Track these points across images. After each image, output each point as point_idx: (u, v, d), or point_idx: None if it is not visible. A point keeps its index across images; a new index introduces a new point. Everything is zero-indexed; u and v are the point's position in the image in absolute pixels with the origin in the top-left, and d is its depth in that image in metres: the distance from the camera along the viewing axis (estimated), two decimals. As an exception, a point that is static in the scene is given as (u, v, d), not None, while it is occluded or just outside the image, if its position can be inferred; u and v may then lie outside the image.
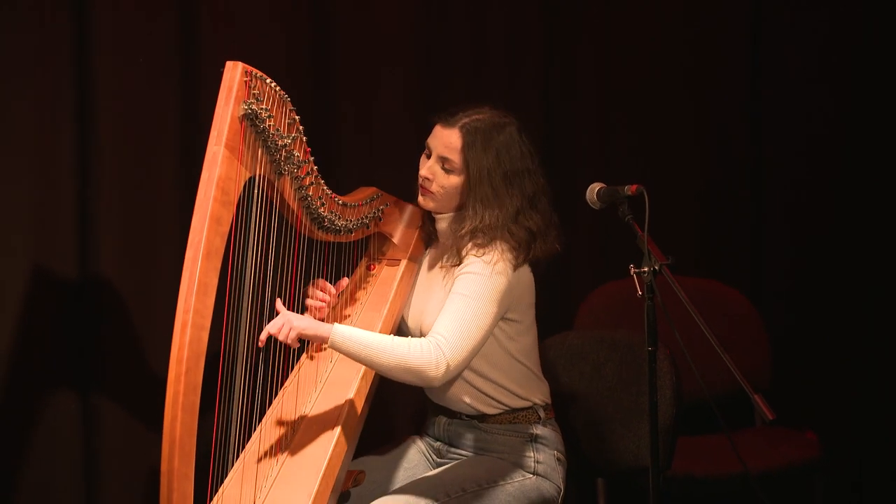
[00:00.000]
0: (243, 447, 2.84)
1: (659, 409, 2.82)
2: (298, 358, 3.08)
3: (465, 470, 3.04)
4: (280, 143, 2.74)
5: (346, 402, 2.93)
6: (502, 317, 3.01)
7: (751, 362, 4.09)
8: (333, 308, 3.13)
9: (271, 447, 2.89)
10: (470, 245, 3.01)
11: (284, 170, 2.79)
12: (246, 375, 2.73)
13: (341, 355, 2.98)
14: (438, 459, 3.18)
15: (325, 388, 3.00)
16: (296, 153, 2.80)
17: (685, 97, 4.37)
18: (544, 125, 4.21)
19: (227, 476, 2.80)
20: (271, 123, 2.70)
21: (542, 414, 3.11)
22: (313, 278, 3.08)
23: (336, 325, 2.84)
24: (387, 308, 3.09)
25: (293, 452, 2.86)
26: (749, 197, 4.46)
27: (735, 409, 3.33)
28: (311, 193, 2.89)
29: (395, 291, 3.12)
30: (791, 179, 4.43)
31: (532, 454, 3.08)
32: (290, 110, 2.78)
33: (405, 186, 3.20)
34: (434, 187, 3.06)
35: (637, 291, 2.76)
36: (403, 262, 3.18)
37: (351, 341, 2.83)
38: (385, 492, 3.02)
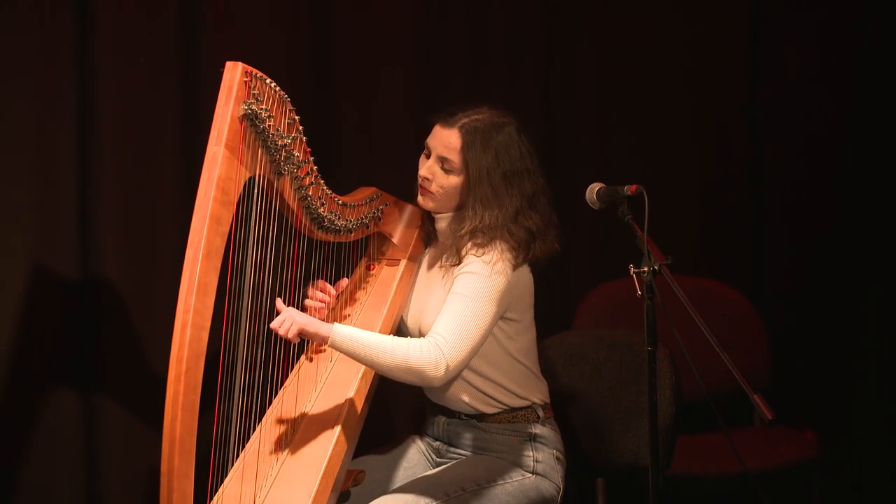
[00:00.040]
0: (243, 446, 2.84)
1: (658, 409, 2.83)
2: (298, 357, 3.09)
3: (465, 469, 3.04)
4: (280, 143, 2.75)
5: (345, 401, 2.93)
6: (501, 316, 3.01)
7: (750, 362, 4.09)
8: (333, 308, 3.13)
9: (271, 446, 2.89)
10: (469, 245, 3.01)
11: (284, 170, 2.79)
12: (246, 375, 2.73)
13: (341, 355, 2.98)
14: (438, 459, 3.18)
15: (325, 387, 3.00)
16: (295, 153, 2.80)
17: (685, 97, 4.37)
18: (544, 125, 4.21)
19: (227, 475, 2.80)
20: (271, 123, 2.70)
21: (540, 413, 3.11)
22: (313, 278, 3.08)
23: (336, 324, 2.85)
24: (386, 308, 3.09)
25: (293, 452, 2.86)
26: (749, 197, 4.46)
27: (734, 408, 3.32)
28: (310, 193, 2.89)
29: (395, 291, 3.13)
30: (791, 179, 4.44)
31: (531, 453, 3.08)
32: (290, 110, 2.79)
33: (405, 186, 3.20)
34: (433, 187, 3.07)
35: (637, 291, 2.76)
36: (403, 262, 3.19)
37: (351, 341, 2.84)
38: (385, 491, 3.02)
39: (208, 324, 2.55)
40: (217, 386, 2.68)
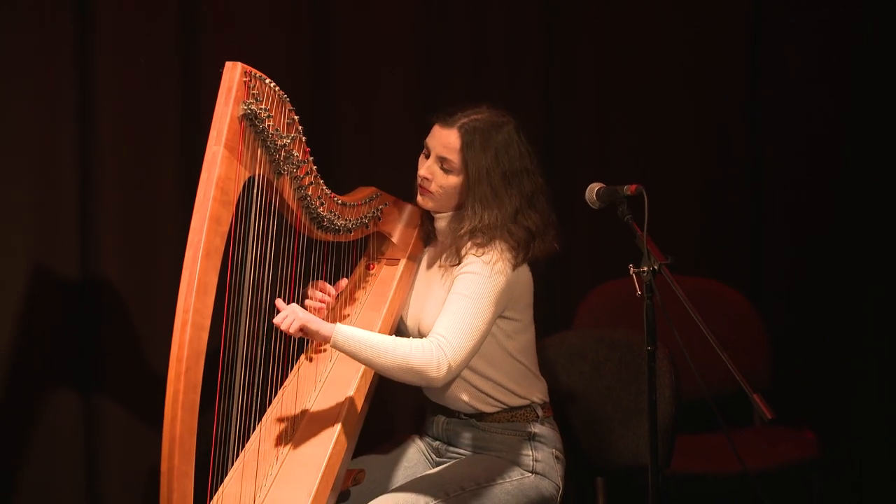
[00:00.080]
0: (243, 446, 2.84)
1: (658, 408, 2.83)
2: (298, 357, 3.09)
3: (464, 469, 3.05)
4: (279, 142, 2.75)
5: (345, 400, 2.94)
6: (501, 315, 3.01)
7: (750, 362, 4.09)
8: (332, 308, 3.13)
9: (271, 446, 2.89)
10: (469, 244, 3.01)
11: (284, 169, 2.79)
12: (246, 374, 2.73)
13: (341, 354, 2.99)
14: (438, 459, 3.18)
15: (325, 387, 3.00)
16: (295, 153, 2.81)
17: (685, 97, 4.37)
18: (544, 125, 4.22)
19: (227, 474, 2.80)
20: (270, 123, 2.70)
21: (540, 412, 3.11)
22: (313, 278, 3.08)
23: (339, 324, 2.85)
24: (386, 307, 3.09)
25: (293, 451, 2.87)
26: (749, 197, 4.46)
27: (734, 408, 3.32)
28: (310, 193, 2.89)
29: (395, 291, 3.13)
30: (791, 179, 4.44)
31: (530, 452, 3.08)
32: (290, 110, 2.79)
33: (405, 186, 3.20)
34: (433, 187, 3.07)
35: (636, 291, 2.76)
36: (402, 262, 3.19)
37: (353, 341, 2.84)
38: (384, 491, 3.02)
39: (208, 323, 2.55)
40: (217, 385, 2.68)
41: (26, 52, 3.51)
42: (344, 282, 3.18)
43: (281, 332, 2.84)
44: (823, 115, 4.41)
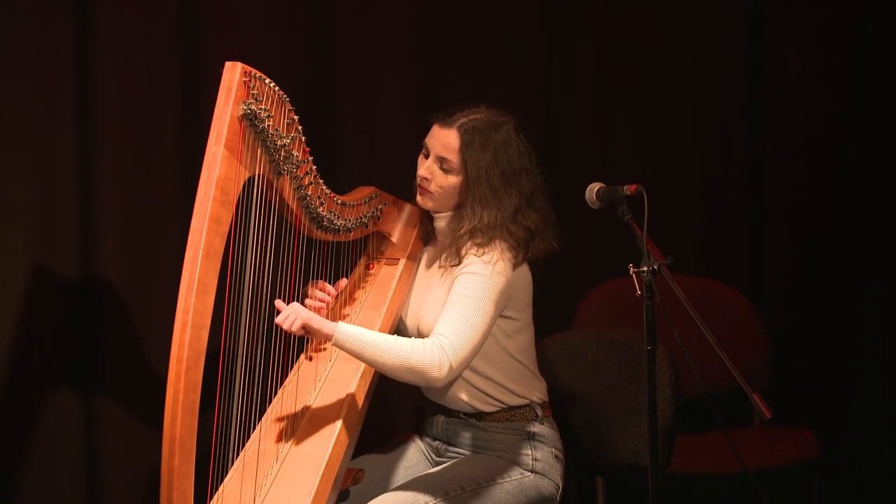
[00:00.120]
0: (243, 446, 2.85)
1: (658, 408, 2.83)
2: (298, 356, 3.09)
3: (464, 468, 3.05)
4: (279, 142, 2.75)
5: (345, 400, 2.94)
6: (501, 315, 3.01)
7: (750, 362, 4.09)
8: (332, 308, 3.14)
9: (271, 445, 2.89)
10: (469, 244, 3.01)
11: (283, 169, 2.80)
12: (246, 374, 2.74)
13: (340, 354, 2.99)
14: (437, 458, 3.18)
15: (325, 386, 3.00)
16: (295, 153, 2.81)
17: (685, 97, 4.37)
18: (544, 125, 4.22)
19: (227, 474, 2.81)
20: (270, 123, 2.70)
21: (539, 412, 3.11)
22: (312, 278, 3.08)
23: (340, 323, 2.86)
24: (386, 307, 3.09)
25: (293, 450, 2.87)
26: (749, 197, 4.46)
27: (733, 407, 3.33)
28: (310, 193, 2.90)
29: (394, 290, 3.13)
30: (791, 179, 4.43)
31: (530, 452, 3.08)
32: (289, 110, 2.79)
33: (405, 186, 3.20)
34: (432, 187, 3.07)
35: (636, 291, 2.76)
36: (402, 261, 3.19)
37: (355, 339, 2.85)
38: (384, 490, 3.03)
39: (208, 323, 2.56)
40: (217, 385, 2.68)
41: (26, 52, 3.51)
42: (343, 282, 3.18)
43: (281, 331, 2.84)
44: (823, 115, 4.41)
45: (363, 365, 2.97)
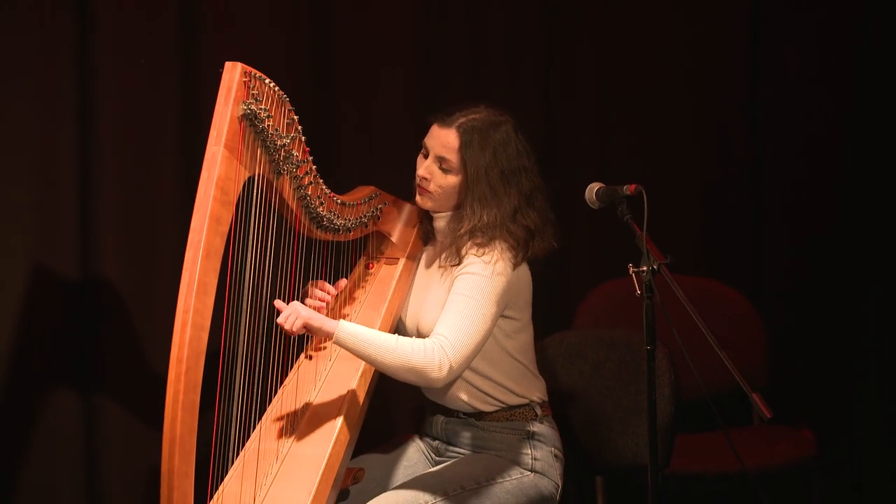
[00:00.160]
0: (243, 445, 2.85)
1: (657, 408, 2.83)
2: (298, 356, 3.09)
3: (464, 468, 3.05)
4: (279, 142, 2.75)
5: (345, 399, 2.94)
6: (501, 314, 3.02)
7: (749, 361, 4.09)
8: (332, 307, 3.14)
9: (271, 445, 2.89)
10: (469, 244, 3.01)
11: (283, 169, 2.80)
12: (246, 374, 2.74)
13: (340, 353, 3.00)
14: (437, 458, 3.18)
15: (325, 385, 3.01)
16: (294, 153, 2.81)
17: (685, 97, 4.37)
18: (544, 125, 4.22)
19: (227, 474, 2.81)
20: (270, 123, 2.71)
21: (538, 411, 3.11)
22: (312, 277, 3.09)
23: (342, 321, 2.86)
24: (385, 306, 3.09)
25: (293, 450, 2.87)
26: (749, 197, 4.46)
27: (733, 407, 3.33)
28: (309, 193, 2.90)
29: (394, 290, 3.13)
30: (791, 179, 4.43)
31: (529, 451, 3.08)
32: (289, 110, 2.79)
33: (405, 186, 3.20)
34: (432, 187, 3.07)
35: (636, 291, 2.76)
36: (402, 261, 3.19)
37: (355, 338, 2.85)
38: (384, 490, 3.03)
39: (208, 323, 2.56)
40: (217, 385, 2.68)
41: (26, 52, 3.51)
42: (343, 282, 3.18)
43: (281, 331, 2.84)
44: (823, 115, 4.41)
45: (363, 364, 2.97)
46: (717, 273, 4.32)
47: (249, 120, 2.67)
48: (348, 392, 2.95)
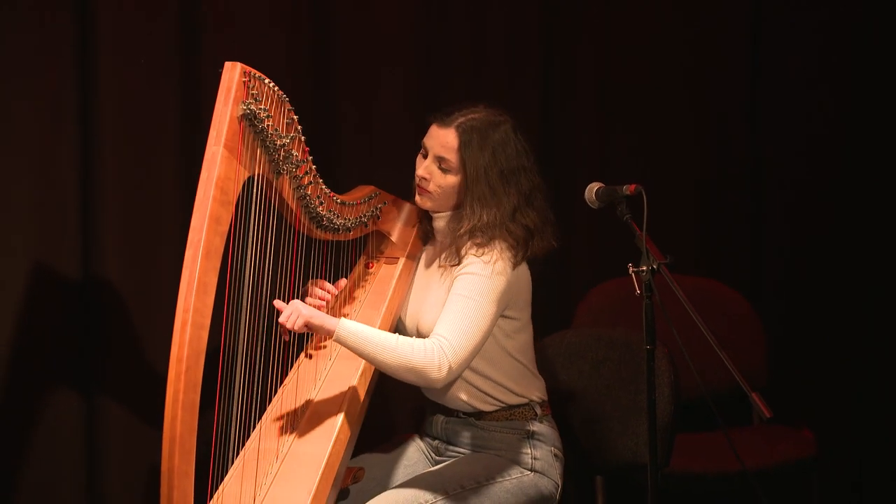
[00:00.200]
0: (243, 445, 2.85)
1: (657, 407, 2.84)
2: (298, 355, 3.09)
3: (464, 467, 3.05)
4: (279, 142, 2.75)
5: (345, 398, 2.94)
6: (501, 314, 3.02)
7: (749, 361, 4.10)
8: (332, 307, 3.14)
9: (271, 444, 2.90)
10: (469, 244, 3.02)
11: (283, 169, 2.80)
12: (245, 373, 2.74)
13: (340, 352, 3.00)
14: (437, 458, 3.18)
15: (325, 385, 3.01)
16: (294, 153, 2.81)
17: (685, 97, 4.37)
18: (544, 125, 4.22)
19: (227, 473, 2.81)
20: (270, 123, 2.71)
21: (538, 410, 3.12)
22: (312, 277, 3.09)
23: (343, 319, 2.87)
24: (385, 306, 3.10)
25: (293, 449, 2.87)
26: (749, 197, 4.46)
27: (733, 407, 3.33)
28: (309, 192, 2.90)
29: (394, 289, 3.13)
30: (791, 179, 4.44)
31: (529, 451, 3.09)
32: (289, 110, 2.79)
33: (405, 186, 3.20)
34: (431, 187, 3.07)
35: (635, 290, 2.77)
36: (401, 261, 3.19)
37: (356, 336, 2.85)
38: (384, 489, 3.03)
39: (208, 322, 2.56)
40: (217, 384, 2.69)
41: (27, 52, 3.51)
42: (343, 282, 3.18)
43: (281, 330, 2.85)
44: (823, 115, 4.41)
45: (363, 363, 2.97)
46: (717, 273, 4.32)
47: (249, 120, 2.67)
48: (348, 391, 2.96)
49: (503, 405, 3.10)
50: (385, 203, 3.20)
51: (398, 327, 3.16)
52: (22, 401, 3.56)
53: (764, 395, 2.66)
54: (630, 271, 2.77)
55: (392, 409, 3.93)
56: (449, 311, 2.94)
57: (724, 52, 4.40)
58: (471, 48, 4.13)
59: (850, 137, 4.39)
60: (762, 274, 4.47)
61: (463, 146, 3.01)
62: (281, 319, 2.83)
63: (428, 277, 3.16)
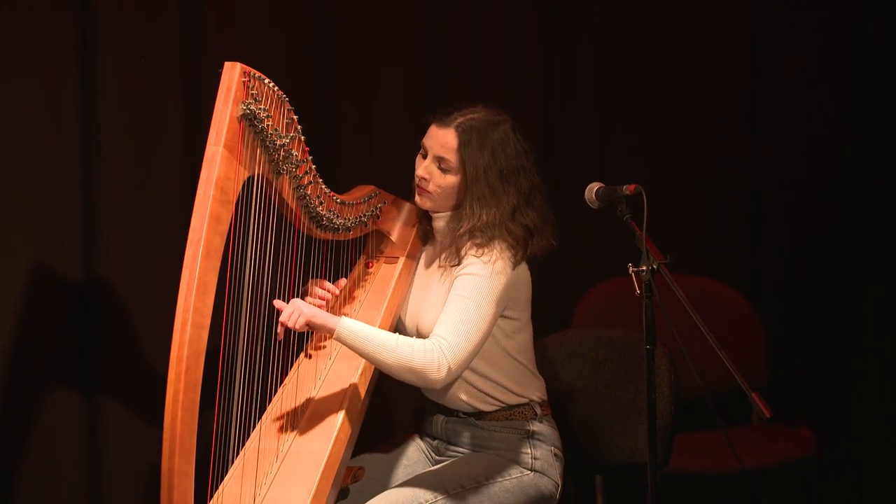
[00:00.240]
0: (243, 444, 2.85)
1: (657, 407, 2.84)
2: (298, 355, 3.10)
3: (464, 467, 3.05)
4: (278, 142, 2.76)
5: (345, 398, 2.94)
6: (500, 314, 3.02)
7: (748, 361, 4.10)
8: (332, 306, 3.14)
9: (271, 444, 2.90)
10: (469, 244, 3.02)
11: (283, 169, 2.80)
12: (246, 373, 2.74)
13: (340, 352, 3.00)
14: (437, 457, 3.19)
15: (325, 384, 3.01)
16: (294, 153, 2.82)
17: (685, 97, 4.37)
18: (544, 125, 4.22)
19: (227, 473, 2.81)
20: (269, 123, 2.71)
21: (538, 410, 3.12)
22: (312, 276, 3.09)
23: (344, 317, 2.87)
24: (385, 305, 3.10)
25: (293, 449, 2.87)
26: (749, 197, 4.46)
27: (732, 407, 3.33)
28: (309, 192, 2.90)
29: (393, 289, 3.14)
30: (791, 179, 4.44)
31: (529, 450, 3.09)
32: (289, 110, 2.80)
33: (405, 186, 3.20)
34: (431, 187, 3.07)
35: (635, 290, 2.77)
36: (401, 260, 3.20)
37: (356, 335, 2.86)
38: (384, 489, 3.03)
39: (208, 322, 2.56)
40: (217, 384, 2.69)
41: (28, 52, 3.51)
42: (343, 281, 3.19)
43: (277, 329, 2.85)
44: (823, 115, 4.41)
45: (363, 363, 2.98)
46: (717, 273, 4.32)
47: (249, 120, 2.67)
48: (348, 390, 2.96)
49: (503, 405, 3.10)
50: (385, 203, 3.21)
51: (398, 327, 3.16)
52: (22, 401, 3.56)
53: (764, 394, 2.66)
54: (630, 271, 2.77)
55: (392, 409, 3.94)
56: (448, 312, 2.94)
57: (724, 53, 4.40)
58: (471, 48, 4.13)
59: (849, 137, 4.40)
60: (762, 274, 4.48)
61: (462, 146, 3.01)
62: (282, 318, 2.83)
63: (428, 277, 3.16)
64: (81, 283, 3.61)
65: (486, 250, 2.99)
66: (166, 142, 3.69)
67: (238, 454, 2.84)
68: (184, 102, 3.69)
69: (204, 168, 2.61)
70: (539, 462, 3.09)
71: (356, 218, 3.10)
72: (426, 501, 2.94)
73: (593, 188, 2.97)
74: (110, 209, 3.62)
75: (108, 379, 3.64)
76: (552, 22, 4.24)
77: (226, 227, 2.61)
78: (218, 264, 2.59)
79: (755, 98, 4.43)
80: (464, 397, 3.09)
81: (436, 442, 3.20)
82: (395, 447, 3.23)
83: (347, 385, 2.97)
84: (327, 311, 3.08)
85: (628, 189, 2.88)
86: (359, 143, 3.97)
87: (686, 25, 4.36)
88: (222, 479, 2.80)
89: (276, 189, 2.82)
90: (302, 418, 2.95)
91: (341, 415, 2.91)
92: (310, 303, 3.07)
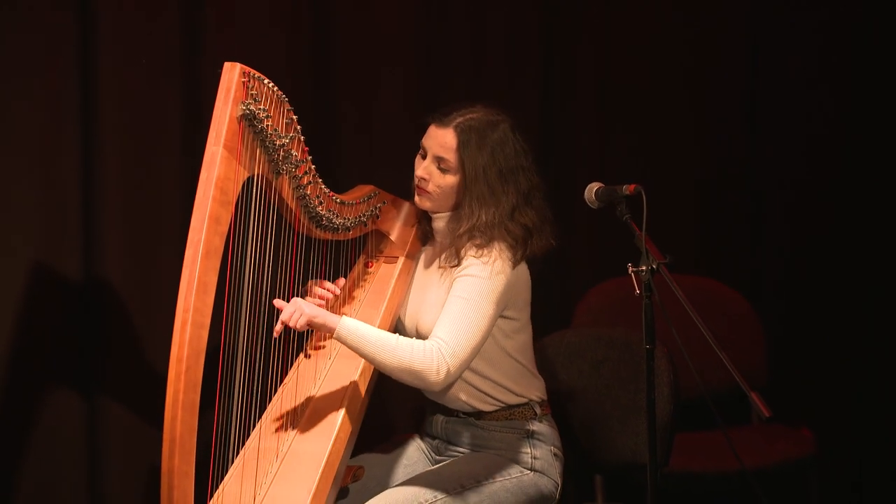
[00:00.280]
0: (243, 444, 2.85)
1: (657, 407, 2.84)
2: (297, 355, 3.10)
3: (464, 467, 3.05)
4: (278, 142, 2.76)
5: (345, 397, 2.94)
6: (500, 315, 3.02)
7: (748, 361, 4.10)
8: (332, 306, 3.14)
9: (271, 443, 2.90)
10: (468, 245, 3.02)
11: (282, 169, 2.80)
12: (245, 373, 2.74)
13: (340, 351, 3.00)
14: (437, 457, 3.19)
15: (324, 384, 3.01)
16: (294, 153, 2.82)
17: (685, 97, 4.37)
18: (544, 125, 4.22)
19: (227, 473, 2.81)
20: (269, 123, 2.71)
21: (538, 410, 3.12)
22: (311, 276, 3.09)
23: (344, 317, 2.87)
24: (384, 305, 3.10)
25: (293, 449, 2.88)
26: (749, 197, 4.46)
27: (732, 406, 3.33)
28: (309, 192, 2.90)
29: (393, 288, 3.14)
30: (791, 179, 4.44)
31: (529, 450, 3.09)
32: (288, 110, 2.80)
33: (405, 186, 3.20)
34: (430, 187, 3.07)
35: (635, 290, 2.77)
36: (401, 260, 3.20)
37: (356, 335, 2.86)
38: (384, 488, 3.03)
39: (208, 322, 2.57)
40: (217, 384, 2.69)
41: (28, 52, 3.51)
42: (342, 281, 3.19)
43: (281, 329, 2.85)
44: (823, 115, 4.41)
45: (363, 362, 2.98)
46: (717, 273, 4.32)
47: (248, 120, 2.68)
48: (348, 390, 2.96)
49: (503, 405, 3.10)
50: (384, 202, 3.21)
51: (397, 327, 3.16)
52: (22, 401, 3.56)
53: (763, 394, 2.66)
54: (630, 271, 2.77)
55: (392, 409, 3.94)
56: (448, 313, 2.94)
57: (724, 53, 4.40)
58: (471, 48, 4.13)
59: (849, 137, 4.40)
60: (762, 274, 4.48)
61: (461, 146, 3.01)
62: (283, 317, 2.83)
63: (427, 278, 3.16)
64: (81, 283, 3.61)
65: (485, 251, 2.99)
66: (166, 142, 3.69)
67: (238, 454, 2.84)
68: (184, 102, 3.69)
69: (204, 168, 2.61)
70: (539, 462, 3.09)
71: (356, 218, 3.10)
72: (426, 501, 2.94)
73: (593, 188, 2.97)
74: (110, 209, 3.62)
75: (108, 379, 3.64)
76: (552, 22, 4.24)
77: (226, 227, 2.61)
78: (218, 264, 2.59)
79: (755, 98, 4.43)
80: (463, 397, 3.09)
81: (436, 442, 3.20)
82: (395, 447, 3.23)
83: (347, 384, 2.97)
84: (327, 310, 3.09)
85: (628, 189, 2.88)
86: (359, 143, 3.97)
87: (686, 25, 4.36)
88: (222, 478, 2.80)
89: (275, 189, 2.82)
90: (302, 418, 2.95)
91: (341, 414, 2.91)
92: (310, 302, 3.08)
